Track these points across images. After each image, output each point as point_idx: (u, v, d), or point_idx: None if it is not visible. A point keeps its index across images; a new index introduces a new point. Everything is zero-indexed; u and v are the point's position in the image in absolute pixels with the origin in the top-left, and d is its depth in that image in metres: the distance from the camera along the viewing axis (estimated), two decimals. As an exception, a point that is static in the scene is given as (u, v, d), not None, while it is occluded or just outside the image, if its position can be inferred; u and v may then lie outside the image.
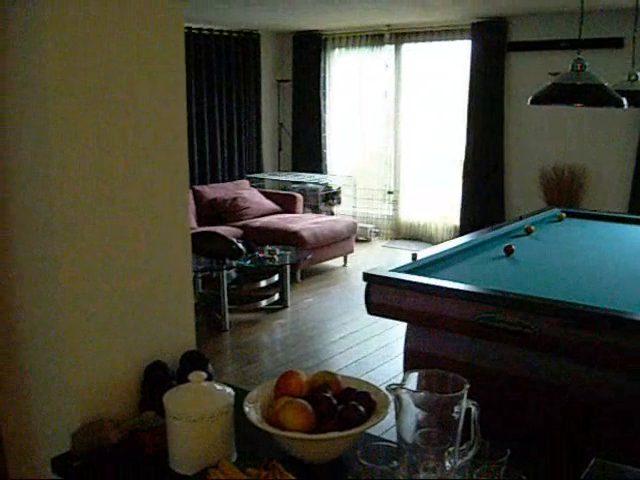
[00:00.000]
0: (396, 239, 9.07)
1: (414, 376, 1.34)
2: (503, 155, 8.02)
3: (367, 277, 3.44)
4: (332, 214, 8.75)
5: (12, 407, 1.86)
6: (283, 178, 9.05)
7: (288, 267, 6.29)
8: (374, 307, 3.45)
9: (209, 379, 1.65)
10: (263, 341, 5.60)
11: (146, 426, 1.64)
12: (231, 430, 1.55)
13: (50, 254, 1.64)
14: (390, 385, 1.27)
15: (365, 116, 9.29)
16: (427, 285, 3.23)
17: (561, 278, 3.48)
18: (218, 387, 1.57)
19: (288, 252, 6.35)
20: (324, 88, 9.37)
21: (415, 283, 3.26)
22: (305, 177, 8.91)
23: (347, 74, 9.30)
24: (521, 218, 4.93)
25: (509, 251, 3.92)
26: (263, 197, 8.25)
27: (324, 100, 9.39)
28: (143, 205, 1.78)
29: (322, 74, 9.31)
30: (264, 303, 6.21)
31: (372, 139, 9.28)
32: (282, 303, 6.34)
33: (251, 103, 9.16)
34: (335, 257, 7.65)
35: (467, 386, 1.27)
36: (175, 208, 1.88)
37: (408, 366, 3.47)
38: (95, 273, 1.69)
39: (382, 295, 3.39)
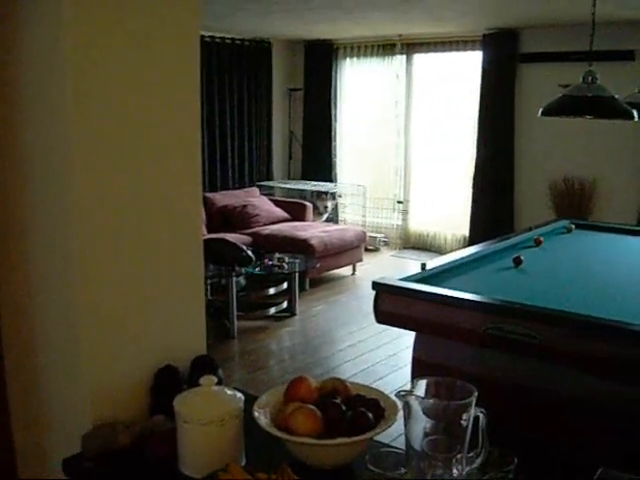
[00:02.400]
0: (405, 248, 9.07)
1: (423, 383, 1.35)
2: (513, 166, 8.02)
3: (376, 286, 3.46)
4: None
5: (25, 408, 1.89)
6: (293, 186, 9.07)
7: (297, 275, 6.30)
8: (382, 316, 3.46)
9: (219, 384, 1.67)
10: (271, 348, 5.62)
11: (156, 429, 1.66)
12: (241, 434, 1.57)
13: (67, 258, 1.67)
14: (400, 392, 1.29)
15: (375, 125, 9.31)
16: (436, 294, 3.24)
17: (569, 289, 3.49)
18: (228, 392, 1.59)
19: (297, 260, 6.37)
20: (335, 97, 9.40)
21: (424, 292, 3.27)
22: (315, 186, 8.92)
23: (358, 83, 9.33)
24: (530, 229, 4.93)
25: (518, 262, 3.92)
26: (273, 205, 8.28)
27: (335, 109, 9.43)
28: (158, 211, 1.80)
29: (333, 83, 9.35)
30: (272, 311, 6.23)
31: (382, 148, 9.29)
32: (290, 311, 6.35)
33: (262, 111, 9.21)
34: (344, 266, 7.66)
35: (475, 394, 1.29)
36: (189, 215, 1.90)
37: (416, 375, 3.48)
38: (110, 278, 1.72)
39: (391, 304, 3.40)
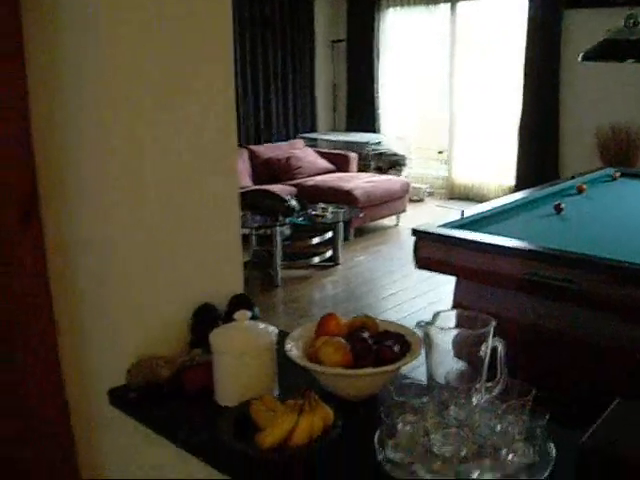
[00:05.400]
0: (450, 199, 9.05)
1: (444, 315, 1.41)
2: (559, 114, 7.91)
3: (415, 233, 3.51)
4: None
5: (73, 346, 2.00)
6: (337, 138, 9.07)
7: (340, 225, 6.37)
8: (422, 261, 3.53)
9: (254, 319, 1.75)
10: (314, 297, 5.72)
11: (194, 362, 1.75)
12: (274, 366, 1.65)
13: (110, 204, 1.75)
14: (419, 322, 1.35)
15: (419, 76, 9.23)
16: (473, 241, 3.28)
17: (610, 236, 3.49)
18: (261, 325, 1.67)
19: (340, 210, 6.43)
20: (378, 48, 9.33)
21: (461, 239, 3.32)
22: (359, 137, 8.92)
23: (402, 33, 9.23)
24: (573, 177, 4.90)
25: (559, 209, 3.92)
26: (317, 156, 8.32)
27: (377, 60, 9.37)
28: (196, 159, 1.87)
29: (376, 34, 9.27)
30: (316, 260, 6.31)
31: (426, 99, 9.24)
32: (334, 260, 6.43)
33: (305, 63, 9.20)
34: (387, 216, 7.71)
35: (493, 323, 1.34)
36: (225, 162, 1.97)
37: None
38: (151, 221, 1.80)
39: (429, 250, 3.46)
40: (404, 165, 8.83)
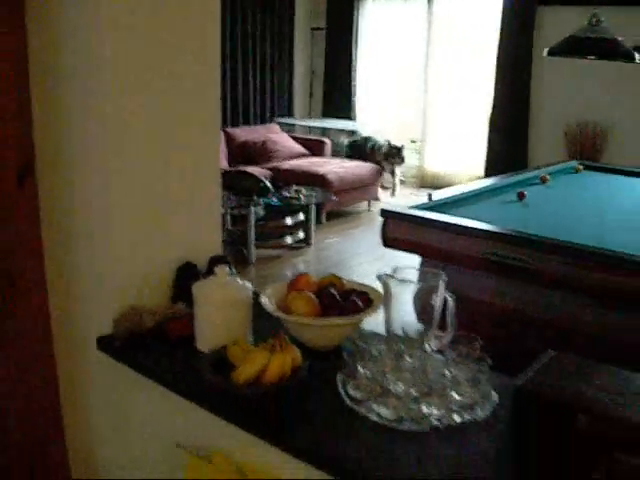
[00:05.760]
0: (422, 187, 9.25)
1: (401, 270, 1.59)
2: (529, 108, 8.15)
3: (384, 213, 3.70)
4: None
5: (63, 296, 2.16)
6: (312, 124, 9.23)
7: (313, 207, 6.55)
8: (389, 241, 3.71)
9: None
10: (286, 275, 5.89)
11: (177, 314, 1.93)
12: (249, 317, 1.83)
13: (103, 163, 1.92)
14: (380, 274, 1.53)
15: (396, 66, 9.43)
16: (438, 221, 3.48)
17: (566, 222, 3.69)
18: (239, 281, 1.85)
19: (314, 193, 6.61)
20: (357, 37, 9.50)
21: (426, 219, 3.51)
22: (334, 124, 9.08)
23: (380, 24, 9.41)
24: (538, 167, 5.12)
25: (521, 196, 4.13)
26: (292, 141, 8.48)
27: (356, 50, 9.54)
28: (181, 128, 2.04)
29: (355, 23, 9.44)
30: (289, 240, 6.48)
31: (402, 89, 9.43)
32: (306, 241, 6.61)
33: (285, 49, 9.35)
34: (359, 201, 7.90)
35: (444, 277, 1.52)
36: (207, 129, 2.13)
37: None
38: (139, 182, 1.96)
39: (397, 230, 3.65)
40: (401, 158, 8.55)
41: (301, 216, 6.52)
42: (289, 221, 6.43)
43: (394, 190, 8.76)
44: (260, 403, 1.57)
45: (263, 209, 6.34)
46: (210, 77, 2.12)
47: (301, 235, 6.59)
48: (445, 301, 1.56)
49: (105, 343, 1.95)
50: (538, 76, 8.01)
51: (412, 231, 3.57)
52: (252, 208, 5.97)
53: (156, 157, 2.00)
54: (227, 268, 1.83)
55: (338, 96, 9.68)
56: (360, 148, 8.45)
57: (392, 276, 1.53)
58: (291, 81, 9.57)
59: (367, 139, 8.56)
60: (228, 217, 6.41)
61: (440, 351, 1.62)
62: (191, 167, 2.10)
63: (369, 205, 8.09)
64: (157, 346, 1.89)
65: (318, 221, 7.03)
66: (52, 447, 2.32)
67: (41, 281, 2.15)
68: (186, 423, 1.83)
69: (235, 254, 6.11)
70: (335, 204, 7.27)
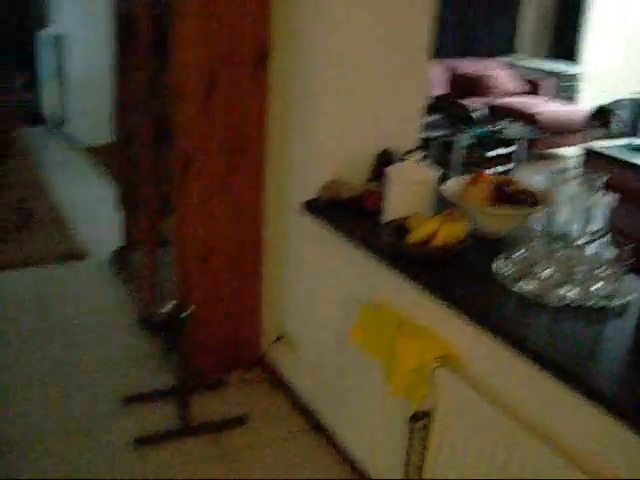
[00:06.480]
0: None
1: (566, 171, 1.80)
2: None
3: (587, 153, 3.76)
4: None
5: (277, 166, 2.59)
6: (534, 65, 9.08)
7: (521, 143, 6.59)
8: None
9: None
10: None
11: (370, 190, 2.27)
12: (431, 196, 2.12)
13: (326, 65, 2.27)
14: (552, 171, 1.76)
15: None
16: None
17: None
18: (427, 166, 2.14)
19: (521, 128, 6.67)
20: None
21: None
22: (556, 66, 8.89)
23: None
24: None
25: None
26: (512, 78, 8.47)
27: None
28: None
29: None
30: (491, 172, 6.57)
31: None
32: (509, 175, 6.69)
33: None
34: (570, 145, 7.81)
35: (605, 178, 1.73)
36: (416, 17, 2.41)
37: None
38: (352, 85, 2.33)
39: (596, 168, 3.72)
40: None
41: (506, 150, 6.58)
42: (492, 153, 6.52)
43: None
44: (426, 261, 1.87)
45: (470, 138, 6.47)
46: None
47: (505, 168, 6.67)
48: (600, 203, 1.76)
49: (310, 204, 2.36)
50: None
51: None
52: (459, 136, 6.16)
53: (371, 39, 2.32)
54: (418, 155, 2.12)
55: (567, 36, 9.40)
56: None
57: (556, 176, 1.76)
58: (517, 16, 9.42)
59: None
60: (434, 143, 6.59)
61: (590, 247, 1.82)
62: (400, 50, 2.40)
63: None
64: (350, 214, 2.25)
65: (525, 159, 7.05)
66: (247, 324, 2.89)
67: (260, 150, 2.62)
68: (363, 277, 2.20)
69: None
70: (543, 144, 7.27)
